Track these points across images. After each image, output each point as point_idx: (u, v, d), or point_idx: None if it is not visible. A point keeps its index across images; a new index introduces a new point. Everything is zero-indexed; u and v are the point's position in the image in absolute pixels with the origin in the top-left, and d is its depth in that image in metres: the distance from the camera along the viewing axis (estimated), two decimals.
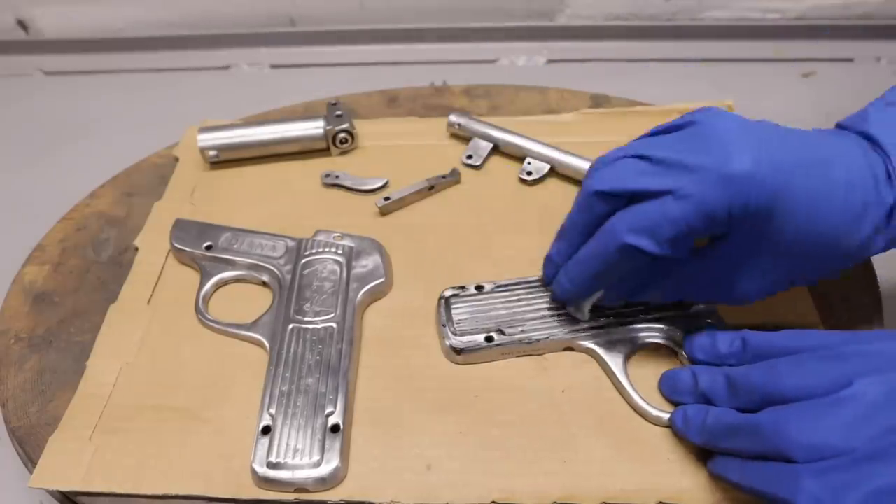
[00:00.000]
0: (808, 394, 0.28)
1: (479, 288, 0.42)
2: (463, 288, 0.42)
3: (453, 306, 0.41)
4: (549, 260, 0.39)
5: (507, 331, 0.40)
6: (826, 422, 0.27)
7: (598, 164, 0.36)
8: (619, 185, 0.33)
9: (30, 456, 0.37)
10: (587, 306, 0.38)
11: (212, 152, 0.53)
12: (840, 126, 0.37)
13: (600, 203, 0.34)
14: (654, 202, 0.32)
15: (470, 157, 0.54)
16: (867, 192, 0.33)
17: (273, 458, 0.35)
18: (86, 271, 0.48)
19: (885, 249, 0.35)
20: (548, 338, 0.39)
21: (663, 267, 0.35)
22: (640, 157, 0.34)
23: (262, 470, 0.34)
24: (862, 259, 0.35)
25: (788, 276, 0.35)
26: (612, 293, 0.37)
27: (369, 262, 0.45)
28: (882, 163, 0.33)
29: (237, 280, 0.46)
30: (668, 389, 0.37)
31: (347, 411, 0.37)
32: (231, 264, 0.46)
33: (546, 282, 0.40)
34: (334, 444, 0.35)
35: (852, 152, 0.34)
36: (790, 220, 0.32)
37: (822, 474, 0.26)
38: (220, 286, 0.45)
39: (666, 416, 0.36)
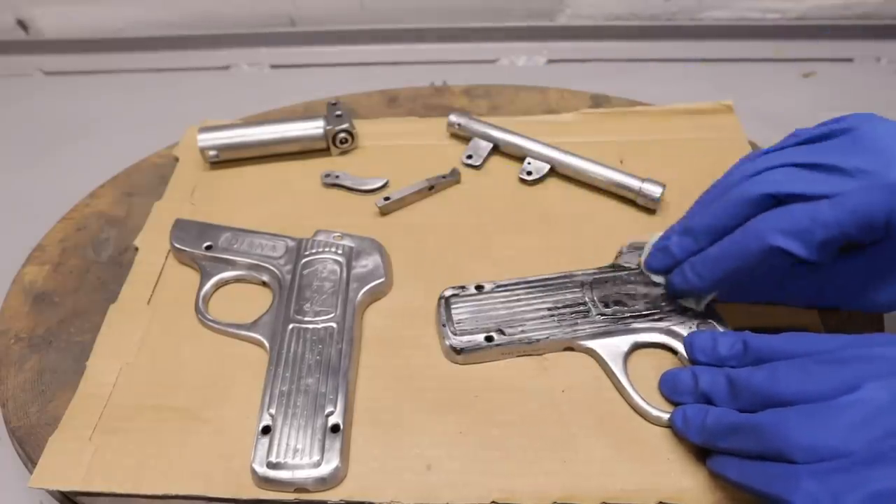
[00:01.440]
0: (810, 397, 0.29)
1: (479, 288, 0.42)
2: (463, 288, 0.42)
3: (453, 306, 0.41)
4: (665, 251, 0.38)
5: (507, 331, 0.40)
6: (827, 424, 0.27)
7: (739, 174, 0.35)
8: (772, 188, 0.33)
9: (30, 456, 0.37)
10: (706, 300, 0.38)
11: (212, 152, 0.53)
12: None
13: (745, 208, 0.33)
14: (806, 205, 0.31)
15: (470, 157, 0.54)
16: None
17: (273, 458, 0.35)
18: (86, 271, 0.48)
19: None
20: (548, 338, 0.39)
21: (801, 271, 0.34)
22: (793, 165, 0.33)
23: (262, 470, 0.34)
24: None
25: None
26: (738, 292, 0.36)
27: (369, 262, 0.45)
28: None
29: (237, 280, 0.46)
30: (668, 389, 0.37)
31: (347, 411, 0.37)
32: (231, 264, 0.46)
33: (654, 271, 0.39)
34: (334, 444, 0.35)
35: None
36: None
37: (821, 476, 0.26)
38: (220, 286, 0.45)
39: (666, 416, 0.36)
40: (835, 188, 0.31)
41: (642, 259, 0.41)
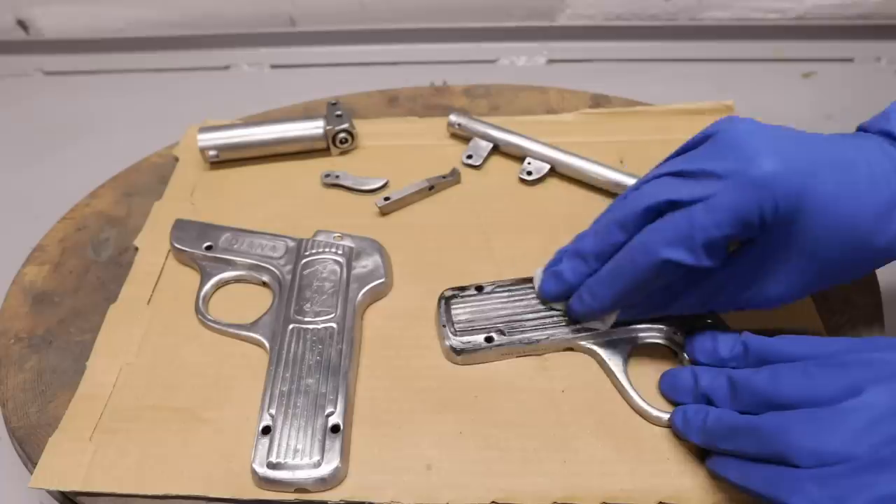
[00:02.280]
0: (812, 401, 0.29)
1: (479, 288, 0.42)
2: (463, 288, 0.42)
3: (453, 306, 0.41)
4: (557, 277, 0.38)
5: (507, 331, 0.40)
6: (831, 428, 0.27)
7: (625, 193, 0.36)
8: (651, 200, 0.33)
9: (30, 456, 0.37)
10: (611, 319, 0.38)
11: (212, 152, 0.53)
12: (861, 129, 0.37)
13: (635, 223, 0.34)
14: (683, 212, 0.32)
15: (470, 157, 0.54)
16: (892, 190, 0.33)
17: (273, 459, 0.35)
18: (86, 271, 0.48)
19: None
20: (548, 338, 0.39)
21: (693, 279, 0.35)
22: (670, 174, 0.33)
23: (263, 470, 0.34)
24: (890, 260, 0.34)
25: (818, 278, 0.35)
26: (637, 309, 0.37)
27: (369, 263, 0.45)
28: None
29: (237, 280, 0.46)
30: (669, 389, 0.37)
31: (347, 411, 0.37)
32: (231, 264, 0.46)
33: (550, 298, 0.39)
34: (334, 445, 0.35)
35: (874, 151, 0.34)
36: (818, 219, 0.32)
37: (824, 480, 0.26)
38: (220, 286, 0.45)
39: (666, 417, 0.36)
40: (707, 191, 0.31)
41: (535, 287, 0.40)
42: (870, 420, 0.26)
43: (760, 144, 0.31)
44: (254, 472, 0.34)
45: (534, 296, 0.41)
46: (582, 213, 0.49)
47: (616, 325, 0.39)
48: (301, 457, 0.35)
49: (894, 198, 0.33)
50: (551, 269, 0.39)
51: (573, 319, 0.39)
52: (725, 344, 0.36)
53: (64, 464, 0.36)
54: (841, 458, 0.26)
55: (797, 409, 0.29)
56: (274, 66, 0.84)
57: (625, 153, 0.53)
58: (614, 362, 0.38)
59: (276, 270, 0.44)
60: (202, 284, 0.45)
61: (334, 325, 0.41)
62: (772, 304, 0.35)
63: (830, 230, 0.32)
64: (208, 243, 0.46)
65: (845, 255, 0.33)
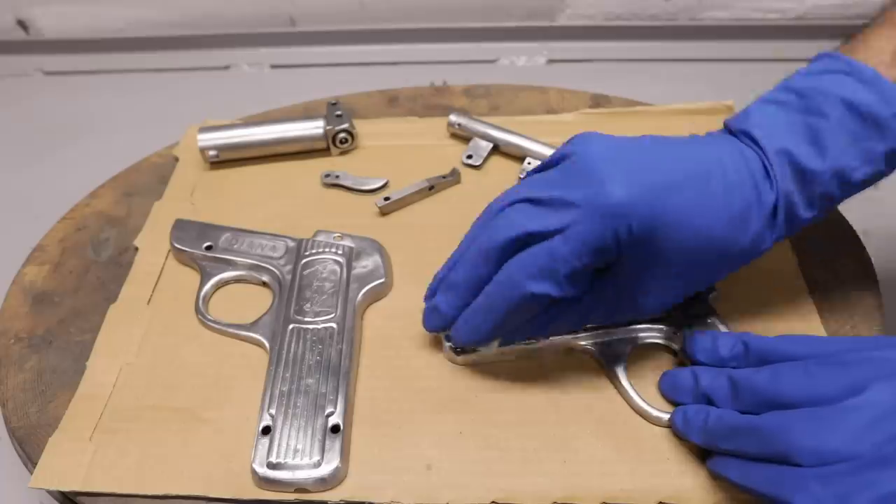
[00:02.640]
0: (813, 400, 0.29)
1: None
2: None
3: None
4: (435, 311, 0.37)
5: None
6: (833, 427, 0.27)
7: (487, 215, 0.36)
8: (511, 232, 0.33)
9: (30, 456, 0.37)
10: (494, 345, 0.38)
11: (212, 152, 0.53)
12: (725, 125, 0.37)
13: (495, 255, 0.34)
14: (544, 245, 0.32)
15: (470, 157, 0.54)
16: (747, 195, 0.33)
17: (273, 459, 0.35)
18: (86, 271, 0.48)
19: (776, 242, 0.35)
20: (548, 338, 0.39)
21: (564, 302, 0.35)
22: (526, 200, 0.34)
23: (263, 470, 0.34)
24: (755, 257, 0.35)
25: (684, 286, 0.36)
26: (518, 334, 0.37)
27: (369, 263, 0.45)
28: (759, 160, 0.34)
29: (237, 280, 0.46)
30: (669, 390, 0.37)
31: (347, 411, 0.37)
32: (231, 264, 0.46)
33: (433, 330, 0.39)
34: (334, 445, 0.35)
35: (730, 156, 0.34)
36: (673, 236, 0.32)
37: (827, 479, 0.26)
38: (220, 286, 0.45)
39: (666, 417, 0.36)
40: (564, 221, 0.31)
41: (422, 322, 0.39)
42: (872, 418, 0.26)
43: (611, 170, 0.32)
44: (254, 472, 0.34)
45: None
46: None
47: (602, 327, 0.39)
48: (301, 457, 0.35)
49: (748, 203, 0.33)
50: (430, 304, 0.38)
51: (457, 348, 0.39)
52: (725, 344, 0.35)
53: (64, 464, 0.36)
54: (844, 456, 0.26)
55: (798, 408, 0.29)
56: (274, 66, 0.84)
57: None
58: (614, 362, 0.38)
59: (276, 270, 0.44)
60: (202, 284, 0.45)
61: (334, 325, 0.41)
62: (647, 314, 0.36)
63: (689, 244, 0.33)
64: (208, 243, 0.46)
65: (708, 263, 0.34)
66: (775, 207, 0.34)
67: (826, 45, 0.40)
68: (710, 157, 0.34)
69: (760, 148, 0.34)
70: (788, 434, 0.28)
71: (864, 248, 0.45)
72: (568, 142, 0.35)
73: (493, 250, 0.34)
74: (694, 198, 0.32)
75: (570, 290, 0.33)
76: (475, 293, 0.35)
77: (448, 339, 0.39)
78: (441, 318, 0.37)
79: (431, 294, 0.38)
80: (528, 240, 0.33)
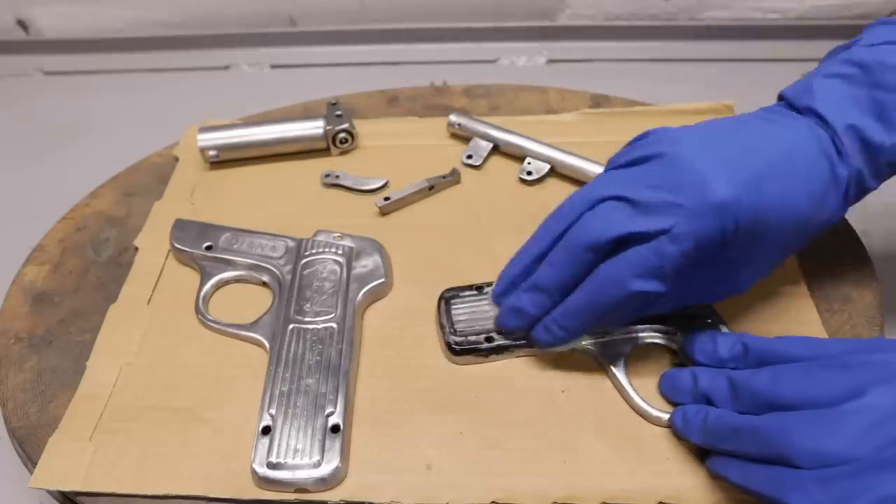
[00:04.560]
0: (813, 402, 0.29)
1: (479, 288, 0.42)
2: (463, 288, 0.42)
3: (453, 306, 0.41)
4: (519, 312, 0.37)
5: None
6: (833, 430, 0.27)
7: (568, 212, 0.35)
8: (609, 233, 0.33)
9: (30, 456, 0.37)
10: (574, 342, 0.38)
11: (212, 152, 0.53)
12: (784, 97, 0.38)
13: (589, 254, 0.34)
14: (650, 245, 0.32)
15: (470, 157, 0.54)
16: (824, 174, 0.35)
17: (273, 459, 0.35)
18: (86, 271, 0.48)
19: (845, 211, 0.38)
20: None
21: (664, 295, 0.34)
22: (619, 198, 0.34)
23: (263, 470, 0.34)
24: (828, 228, 0.37)
25: (773, 262, 0.38)
26: (611, 326, 0.38)
27: (369, 262, 0.45)
28: (830, 140, 0.35)
29: (237, 280, 0.46)
30: (668, 389, 0.37)
31: (347, 411, 0.37)
32: (231, 264, 0.46)
33: (512, 331, 0.39)
34: (334, 445, 0.35)
35: (805, 137, 0.35)
36: (771, 221, 0.34)
37: (827, 481, 0.26)
38: (220, 286, 0.45)
39: (666, 417, 0.36)
40: (669, 221, 0.32)
41: (497, 318, 0.39)
42: (873, 422, 0.26)
43: (711, 168, 0.32)
44: (254, 472, 0.34)
45: None
46: None
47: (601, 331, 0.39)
48: (301, 457, 0.35)
49: (825, 181, 0.35)
50: (510, 305, 0.38)
51: (537, 347, 0.38)
52: (725, 344, 0.36)
53: (64, 464, 0.36)
54: (843, 459, 0.26)
55: (798, 410, 0.29)
56: (274, 66, 0.84)
57: None
58: (614, 362, 0.38)
59: (276, 270, 0.44)
60: (202, 284, 0.45)
61: (334, 324, 0.41)
62: (740, 291, 0.38)
63: (780, 226, 0.34)
64: (208, 243, 0.46)
65: (794, 240, 0.36)
66: (847, 181, 0.35)
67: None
68: (788, 140, 0.35)
69: (829, 124, 0.35)
70: (788, 436, 0.28)
71: (864, 248, 0.45)
72: (644, 138, 0.36)
73: (589, 250, 0.34)
74: (783, 183, 0.34)
75: (673, 286, 0.33)
76: (565, 293, 0.35)
77: (452, 338, 0.39)
78: (526, 318, 0.37)
79: (502, 293, 0.38)
80: (628, 238, 0.33)
